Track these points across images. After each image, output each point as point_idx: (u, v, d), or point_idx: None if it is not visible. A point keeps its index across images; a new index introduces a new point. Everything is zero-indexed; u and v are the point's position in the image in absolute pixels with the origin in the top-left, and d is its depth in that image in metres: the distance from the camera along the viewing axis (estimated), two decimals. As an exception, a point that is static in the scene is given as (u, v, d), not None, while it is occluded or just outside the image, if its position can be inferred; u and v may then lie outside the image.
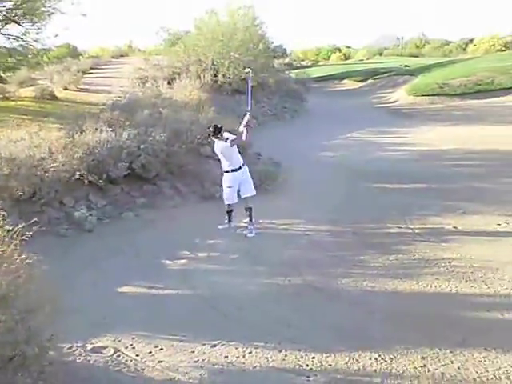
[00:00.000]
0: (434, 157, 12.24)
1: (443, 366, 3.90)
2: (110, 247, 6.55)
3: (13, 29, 10.64)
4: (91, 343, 4.19)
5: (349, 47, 65.06)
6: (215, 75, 17.59)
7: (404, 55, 51.06)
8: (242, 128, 7.04)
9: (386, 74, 30.79)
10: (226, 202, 7.22)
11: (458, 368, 3.87)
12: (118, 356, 4.03)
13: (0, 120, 9.11)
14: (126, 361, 3.96)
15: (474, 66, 26.69)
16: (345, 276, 5.67)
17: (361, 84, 30.61)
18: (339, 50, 59.34)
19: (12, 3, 9.79)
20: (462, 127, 16.84)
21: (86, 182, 7.54)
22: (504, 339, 4.26)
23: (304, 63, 51.10)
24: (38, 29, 10.28)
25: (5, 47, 10.39)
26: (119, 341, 4.27)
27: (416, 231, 7.19)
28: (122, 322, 4.60)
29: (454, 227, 7.28)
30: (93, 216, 7.02)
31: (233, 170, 7.05)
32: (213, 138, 7.04)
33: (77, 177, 7.35)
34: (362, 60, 49.81)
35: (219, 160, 7.21)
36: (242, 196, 7.22)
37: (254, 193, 7.26)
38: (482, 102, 21.24)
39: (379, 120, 18.99)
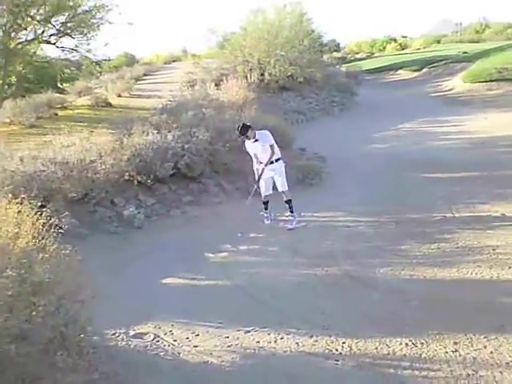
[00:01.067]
0: (487, 144, 11.79)
1: (476, 350, 3.84)
2: (157, 242, 6.90)
3: (66, 41, 11.43)
4: (133, 330, 4.48)
5: (405, 37, 63.28)
6: (262, 74, 17.83)
7: (464, 42, 48.86)
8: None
9: (442, 62, 29.77)
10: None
11: (491, 352, 3.79)
12: (158, 341, 4.29)
13: (57, 128, 9.79)
14: (164, 346, 4.21)
15: (537, 48, 25.25)
16: (383, 265, 5.65)
17: (416, 74, 29.76)
18: (395, 41, 57.86)
19: (64, 17, 10.50)
20: (521, 112, 16.01)
21: (135, 182, 7.97)
22: (544, 325, 4.12)
23: (358, 56, 50.35)
24: (89, 40, 10.95)
25: (61, 59, 11.17)
26: (159, 327, 4.54)
27: (462, 219, 7.02)
28: (163, 311, 4.87)
29: (502, 214, 7.03)
30: (141, 214, 7.41)
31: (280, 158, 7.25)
32: (242, 138, 7.19)
33: (126, 178, 7.81)
34: (418, 49, 48.30)
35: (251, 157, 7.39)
36: (279, 190, 7.36)
37: (286, 188, 7.34)
38: (544, 84, 20.11)
39: (433, 109, 18.44)
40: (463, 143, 12.16)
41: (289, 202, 7.34)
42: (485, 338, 4.00)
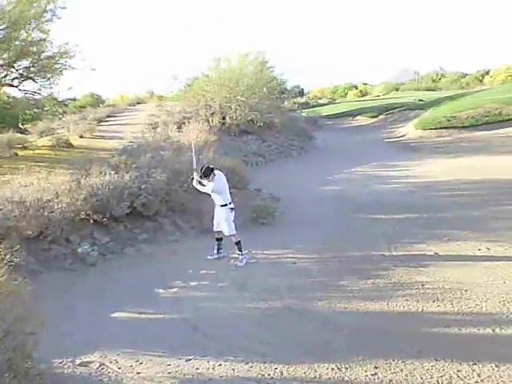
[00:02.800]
0: (431, 188, 12.62)
1: (393, 373, 4.27)
2: (110, 279, 7.14)
3: (28, 85, 11.79)
4: (80, 359, 4.71)
5: (366, 84, 66.28)
6: (223, 118, 18.55)
7: (421, 89, 51.61)
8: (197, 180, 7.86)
9: (397, 109, 31.43)
10: (231, 233, 7.75)
11: (406, 375, 4.23)
12: (103, 369, 4.54)
13: (16, 167, 9.99)
14: (109, 373, 4.46)
15: (482, 98, 27.05)
16: (321, 299, 6.08)
17: (373, 120, 31.26)
18: (356, 88, 60.57)
19: (28, 62, 10.90)
20: (466, 158, 17.17)
21: (91, 220, 8.23)
22: (455, 350, 4.60)
23: (321, 101, 52.27)
24: (51, 84, 11.35)
25: (24, 99, 11.46)
26: (105, 357, 4.78)
27: (398, 257, 7.57)
28: (110, 342, 5.12)
29: (435, 253, 7.63)
30: (95, 251, 7.66)
31: (227, 204, 7.74)
32: (206, 181, 7.72)
33: (82, 216, 8.06)
34: (378, 96, 50.56)
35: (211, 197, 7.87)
36: (225, 234, 7.88)
37: (233, 232, 7.80)
38: (489, 133, 21.53)
39: (386, 154, 19.48)
40: (408, 187, 12.97)
41: (238, 243, 7.78)
42: (402, 362, 4.45)
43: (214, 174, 7.67)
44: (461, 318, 5.34)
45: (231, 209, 7.81)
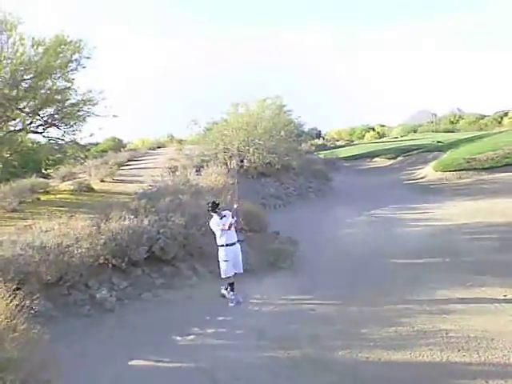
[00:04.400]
0: (452, 231, 12.40)
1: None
2: (127, 325, 7.07)
3: (52, 131, 12.21)
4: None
5: (383, 126, 66.71)
6: (241, 161, 18.75)
7: (439, 131, 51.64)
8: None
9: (416, 151, 31.39)
10: (225, 275, 7.86)
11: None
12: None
13: (38, 212, 10.17)
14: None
15: (501, 140, 26.92)
16: (342, 348, 5.92)
17: (391, 161, 31.20)
18: (373, 129, 60.96)
19: (52, 109, 11.32)
20: (487, 201, 16.90)
21: (109, 265, 8.25)
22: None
23: (339, 143, 52.62)
24: (74, 130, 11.73)
25: (47, 144, 11.84)
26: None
27: (420, 303, 7.37)
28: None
29: (459, 299, 7.41)
30: (113, 297, 7.63)
31: (227, 245, 7.83)
32: (211, 213, 7.93)
33: (101, 261, 8.09)
34: (396, 138, 50.73)
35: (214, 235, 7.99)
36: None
37: (242, 271, 7.99)
38: (510, 174, 21.28)
39: (405, 196, 19.30)
40: (429, 230, 12.77)
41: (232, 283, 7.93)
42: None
43: (221, 210, 7.96)
44: (487, 368, 5.14)
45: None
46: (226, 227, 7.77)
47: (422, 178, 24.40)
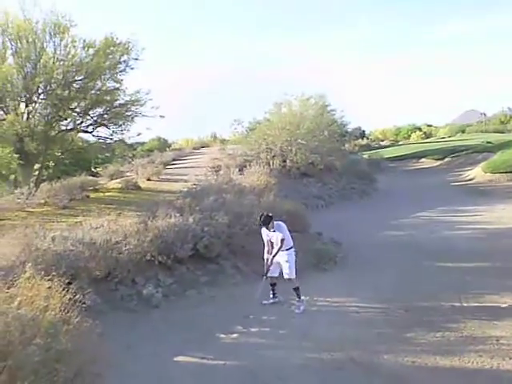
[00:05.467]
0: (502, 235, 11.98)
1: None
2: (173, 321, 7.21)
3: (101, 130, 12.65)
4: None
5: (430, 125, 65.03)
6: (284, 161, 18.76)
7: (488, 131, 49.85)
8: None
9: (464, 152, 30.45)
10: (292, 277, 7.69)
11: None
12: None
13: (88, 209, 10.54)
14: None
15: (557, 140, 25.75)
16: (388, 352, 5.81)
17: (439, 162, 30.47)
18: (419, 129, 59.51)
19: (102, 109, 11.74)
20: (540, 204, 16.20)
21: (156, 262, 8.44)
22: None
23: (383, 143, 51.70)
24: (123, 130, 12.11)
25: (96, 143, 12.30)
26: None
27: (469, 309, 7.15)
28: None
29: (510, 305, 7.13)
30: (159, 293, 7.80)
31: (292, 247, 7.75)
32: (262, 226, 7.77)
33: (148, 258, 8.29)
34: (443, 138, 49.39)
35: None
36: (285, 277, 7.79)
37: (293, 276, 7.72)
38: None
39: (453, 198, 18.79)
40: (478, 233, 12.37)
41: (296, 289, 7.68)
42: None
43: (273, 223, 7.71)
44: (543, 379, 4.90)
45: (296, 252, 7.81)
46: (273, 251, 7.70)
47: (470, 179, 23.69)
